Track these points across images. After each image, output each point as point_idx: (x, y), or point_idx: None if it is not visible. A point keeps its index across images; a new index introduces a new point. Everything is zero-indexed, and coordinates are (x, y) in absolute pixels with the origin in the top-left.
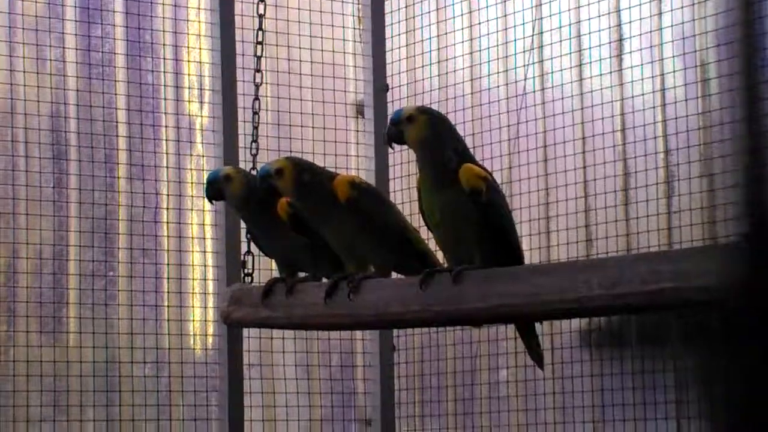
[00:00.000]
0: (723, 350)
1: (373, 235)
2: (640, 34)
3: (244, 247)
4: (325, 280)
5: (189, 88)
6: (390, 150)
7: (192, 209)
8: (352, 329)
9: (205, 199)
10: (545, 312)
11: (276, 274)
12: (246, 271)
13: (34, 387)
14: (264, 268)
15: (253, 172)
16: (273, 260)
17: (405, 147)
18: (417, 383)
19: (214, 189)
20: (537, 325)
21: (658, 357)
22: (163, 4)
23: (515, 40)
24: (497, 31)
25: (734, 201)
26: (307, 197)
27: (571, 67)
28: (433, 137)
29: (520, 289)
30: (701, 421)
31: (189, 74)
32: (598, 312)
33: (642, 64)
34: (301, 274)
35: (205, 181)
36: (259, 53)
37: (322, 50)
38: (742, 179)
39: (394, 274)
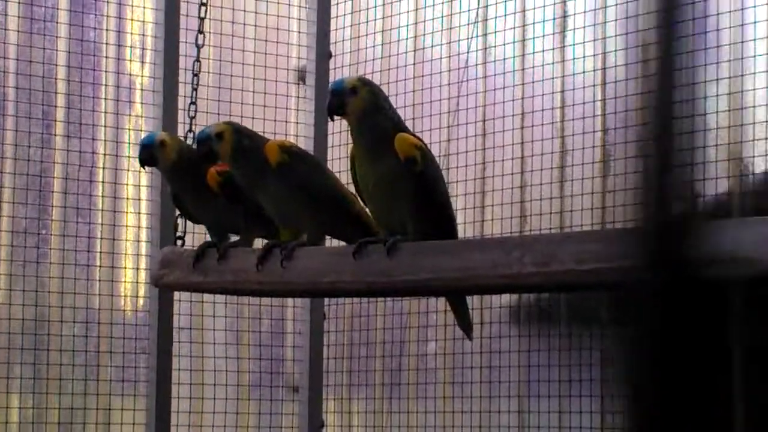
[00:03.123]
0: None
1: (305, 199)
2: (584, 12)
3: (178, 210)
4: (259, 244)
5: (131, 47)
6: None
7: (128, 170)
8: (284, 296)
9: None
10: (477, 287)
11: (207, 238)
12: (177, 234)
13: None
14: (197, 232)
15: (190, 135)
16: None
17: None
18: (346, 352)
19: (148, 153)
20: (467, 298)
21: (585, 335)
22: None
23: (460, 13)
24: (443, 3)
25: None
26: (242, 162)
27: (514, 42)
28: (373, 108)
29: (454, 263)
30: (624, 399)
31: (131, 33)
32: (531, 289)
33: (584, 42)
34: (233, 238)
35: (138, 145)
36: (202, 15)
37: (266, 14)
38: (647, 166)
39: (329, 241)
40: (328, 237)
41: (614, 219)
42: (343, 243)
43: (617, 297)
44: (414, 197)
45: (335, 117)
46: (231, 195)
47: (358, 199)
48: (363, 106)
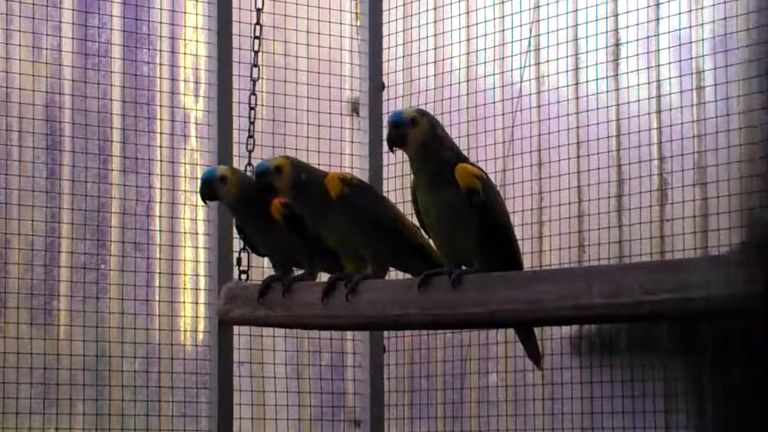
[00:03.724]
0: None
1: (367, 230)
2: (637, 40)
3: (237, 244)
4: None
5: (185, 81)
6: (384, 149)
7: (185, 204)
8: (349, 330)
9: (198, 196)
10: (544, 318)
11: (270, 271)
12: (241, 268)
13: (23, 379)
14: (257, 266)
15: (249, 168)
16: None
17: None
18: (407, 385)
19: (210, 189)
20: None
21: (648, 365)
22: None
23: (512, 42)
24: (494, 32)
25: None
26: (302, 196)
27: (567, 71)
28: (432, 139)
29: (519, 294)
30: (690, 431)
31: (185, 67)
32: (597, 320)
33: (638, 70)
34: (297, 271)
35: (199, 181)
36: (256, 48)
37: (318, 46)
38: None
39: (393, 273)
40: (392, 269)
41: (673, 248)
42: (407, 275)
43: (717, 324)
44: (477, 228)
45: (395, 149)
46: (295, 227)
47: (421, 230)
48: (423, 137)
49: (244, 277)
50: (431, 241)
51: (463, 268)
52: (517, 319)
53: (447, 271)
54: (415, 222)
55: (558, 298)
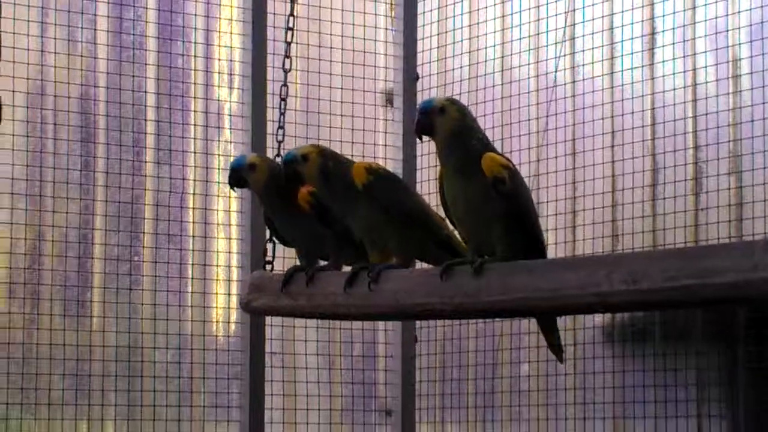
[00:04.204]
0: None
1: (393, 221)
2: (673, 29)
3: (268, 235)
4: (347, 268)
5: (219, 73)
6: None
7: (218, 195)
8: (372, 320)
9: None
10: (566, 306)
11: (295, 262)
12: (266, 258)
13: (56, 370)
14: (286, 256)
15: (278, 159)
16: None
17: None
18: (438, 375)
19: (238, 176)
20: (558, 319)
21: (680, 354)
22: None
23: (547, 32)
24: (529, 22)
25: None
26: (329, 184)
27: (602, 60)
28: (461, 128)
29: (542, 283)
30: (722, 420)
31: (219, 59)
32: (620, 308)
33: (674, 59)
34: (321, 263)
35: (228, 168)
36: (289, 39)
37: (353, 38)
38: None
39: (417, 264)
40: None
41: (708, 237)
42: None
43: None
44: (502, 217)
45: (423, 138)
46: (322, 216)
47: (447, 222)
48: (451, 126)
49: (269, 267)
50: (457, 233)
51: (486, 257)
52: (540, 308)
53: (469, 260)
54: (442, 215)
55: (580, 285)
